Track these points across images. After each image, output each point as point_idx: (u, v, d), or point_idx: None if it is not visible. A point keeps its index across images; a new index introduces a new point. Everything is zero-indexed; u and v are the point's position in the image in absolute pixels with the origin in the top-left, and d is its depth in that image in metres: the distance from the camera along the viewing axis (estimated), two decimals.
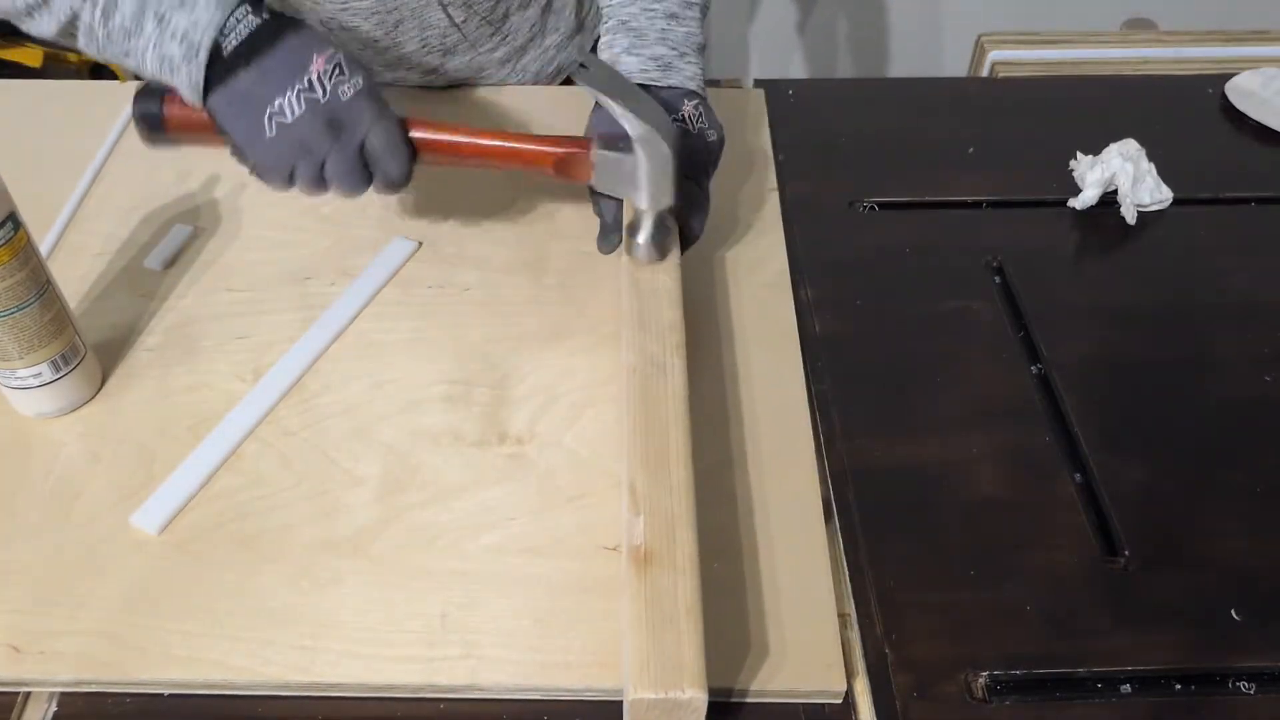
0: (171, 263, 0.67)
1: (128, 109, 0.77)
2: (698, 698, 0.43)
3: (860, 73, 1.82)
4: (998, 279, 0.67)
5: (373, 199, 0.71)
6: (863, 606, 0.51)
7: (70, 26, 0.55)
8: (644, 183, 0.56)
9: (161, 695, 0.49)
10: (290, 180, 0.56)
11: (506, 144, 0.58)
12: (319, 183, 0.56)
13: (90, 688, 0.49)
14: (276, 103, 0.53)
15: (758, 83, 0.83)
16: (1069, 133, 0.78)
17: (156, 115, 0.57)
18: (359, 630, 0.49)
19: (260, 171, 0.56)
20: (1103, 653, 0.49)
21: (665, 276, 0.58)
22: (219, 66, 0.53)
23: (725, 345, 0.62)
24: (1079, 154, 0.74)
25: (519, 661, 0.48)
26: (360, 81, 0.55)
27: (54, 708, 0.48)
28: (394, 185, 0.57)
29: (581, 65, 0.56)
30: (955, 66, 1.77)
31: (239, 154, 0.57)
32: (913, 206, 0.73)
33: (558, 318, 0.64)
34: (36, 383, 0.56)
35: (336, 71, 0.54)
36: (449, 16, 0.75)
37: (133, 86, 0.80)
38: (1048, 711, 0.48)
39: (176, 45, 0.52)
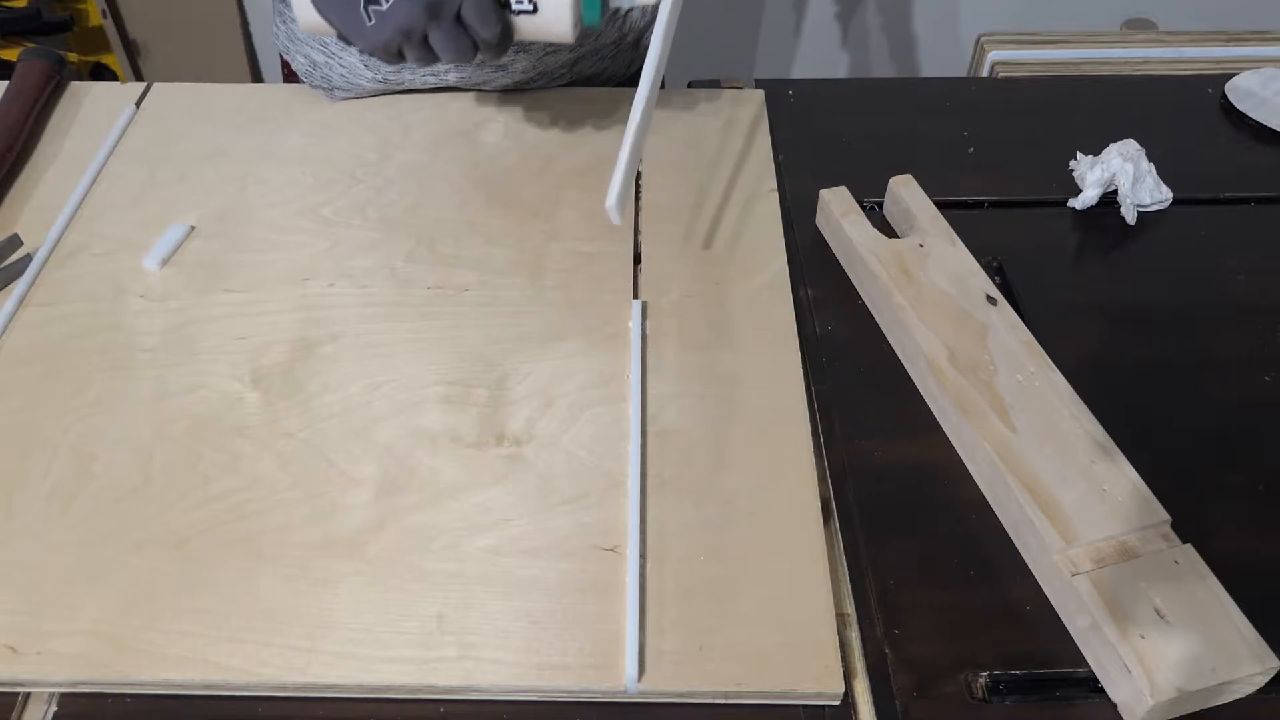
0: (169, 263, 0.67)
1: (128, 109, 0.79)
2: None
3: (860, 73, 1.82)
4: (998, 279, 0.67)
5: (372, 200, 0.71)
6: (863, 606, 0.51)
7: None
8: None
9: (161, 696, 0.48)
10: (400, 57, 0.60)
11: None
12: (426, 56, 0.60)
13: (87, 688, 0.48)
14: None
15: (758, 83, 0.83)
16: (1069, 133, 0.78)
17: None
18: (355, 631, 0.49)
19: (368, 54, 0.61)
20: None
21: None
22: None
23: (724, 345, 0.62)
24: (1079, 154, 0.74)
25: (516, 663, 0.48)
26: None
27: (54, 708, 0.48)
28: (492, 49, 0.60)
29: None
30: (955, 66, 1.77)
31: (346, 40, 0.60)
32: None
33: (556, 319, 0.63)
34: None
35: None
36: None
37: (133, 87, 0.81)
38: (1048, 711, 0.48)
39: None
